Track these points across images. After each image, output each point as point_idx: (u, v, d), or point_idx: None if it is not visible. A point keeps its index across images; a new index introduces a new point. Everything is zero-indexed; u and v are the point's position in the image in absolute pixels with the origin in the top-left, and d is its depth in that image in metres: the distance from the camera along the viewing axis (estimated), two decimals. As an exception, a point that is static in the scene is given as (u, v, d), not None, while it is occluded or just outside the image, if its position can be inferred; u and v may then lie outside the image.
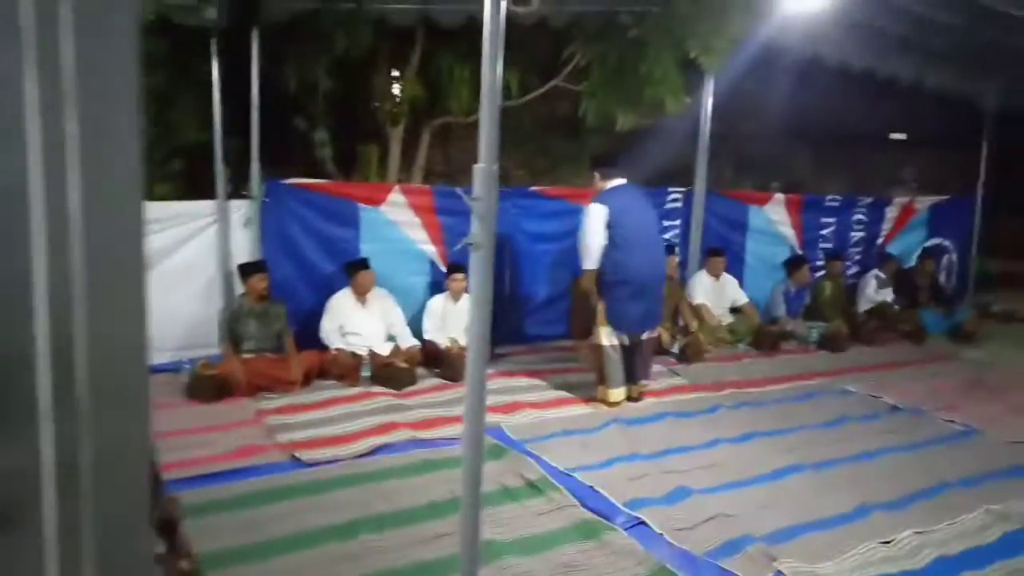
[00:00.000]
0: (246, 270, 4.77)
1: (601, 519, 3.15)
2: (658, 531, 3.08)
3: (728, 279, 6.63)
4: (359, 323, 5.09)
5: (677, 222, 6.75)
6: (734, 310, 6.64)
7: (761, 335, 6.32)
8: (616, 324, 4.53)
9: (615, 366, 4.59)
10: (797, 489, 3.57)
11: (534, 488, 3.42)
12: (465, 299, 5.46)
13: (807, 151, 10.51)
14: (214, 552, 2.73)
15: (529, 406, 4.54)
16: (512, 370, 5.22)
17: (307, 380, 4.81)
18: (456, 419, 4.26)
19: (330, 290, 5.10)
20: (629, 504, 3.28)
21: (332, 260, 5.24)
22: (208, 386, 4.42)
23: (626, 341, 4.59)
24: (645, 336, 4.66)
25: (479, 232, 1.77)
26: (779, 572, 2.80)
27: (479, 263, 1.79)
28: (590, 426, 4.28)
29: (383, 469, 3.55)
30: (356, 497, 3.25)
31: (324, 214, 5.22)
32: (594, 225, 4.43)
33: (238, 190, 4.89)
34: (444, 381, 5.01)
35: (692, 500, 3.37)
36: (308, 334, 5.07)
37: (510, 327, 5.82)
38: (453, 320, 5.38)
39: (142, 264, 0.62)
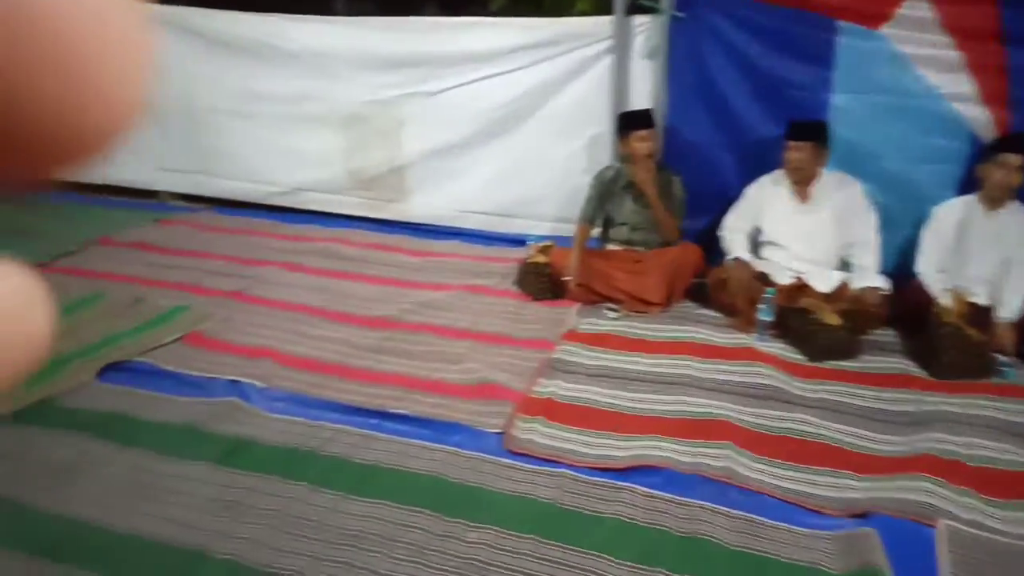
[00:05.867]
0: (626, 123, 3.23)
1: None
2: None
3: None
4: (791, 230, 3.02)
5: None
6: None
7: None
8: None
9: None
10: None
11: None
12: (1011, 212, 2.71)
13: None
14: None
15: None
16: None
17: (672, 298, 3.13)
18: (882, 463, 2.06)
19: (762, 167, 3.12)
20: None
21: (775, 118, 3.18)
22: (534, 280, 3.24)
23: None
24: None
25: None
26: None
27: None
28: None
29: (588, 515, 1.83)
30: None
31: (772, 40, 3.11)
32: None
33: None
34: (923, 375, 2.60)
35: None
36: (711, 231, 3.29)
37: None
38: (979, 246, 2.75)
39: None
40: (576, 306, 3.13)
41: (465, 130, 3.84)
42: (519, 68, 3.62)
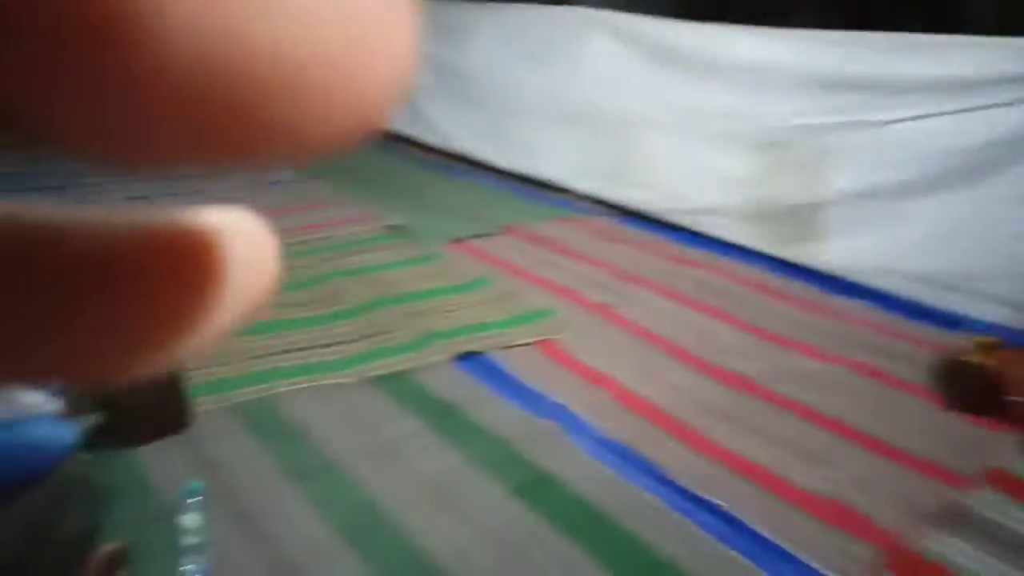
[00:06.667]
0: None
1: None
2: None
3: None
4: None
5: None
6: None
7: None
8: None
9: None
10: None
11: None
12: None
13: None
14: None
15: None
16: None
17: None
18: None
19: None
20: None
21: None
22: (961, 383, 2.42)
23: None
24: None
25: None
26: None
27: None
28: None
29: None
30: None
31: None
32: None
33: None
34: None
35: None
36: None
37: None
38: None
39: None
40: (1018, 437, 2.24)
41: (912, 172, 3.07)
42: (1004, 104, 2.72)
